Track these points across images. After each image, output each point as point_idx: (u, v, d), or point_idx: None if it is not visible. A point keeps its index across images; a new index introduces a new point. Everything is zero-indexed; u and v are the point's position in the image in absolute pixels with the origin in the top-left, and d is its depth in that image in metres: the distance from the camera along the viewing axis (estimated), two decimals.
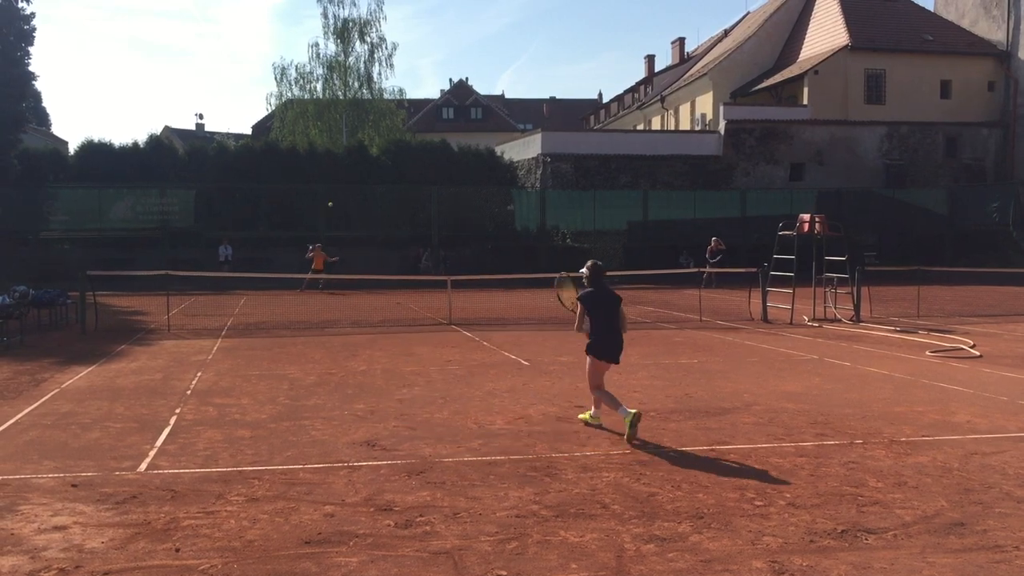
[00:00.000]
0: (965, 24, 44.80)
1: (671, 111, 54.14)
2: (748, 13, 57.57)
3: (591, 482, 6.45)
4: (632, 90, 64.07)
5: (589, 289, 8.22)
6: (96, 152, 33.85)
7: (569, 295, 8.87)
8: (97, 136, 52.47)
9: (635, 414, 7.61)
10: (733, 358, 13.17)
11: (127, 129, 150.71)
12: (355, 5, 63.77)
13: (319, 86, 49.85)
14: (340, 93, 49.48)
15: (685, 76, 55.33)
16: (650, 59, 68.05)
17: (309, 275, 26.64)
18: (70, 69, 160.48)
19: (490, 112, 73.56)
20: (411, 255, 33.22)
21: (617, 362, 8.23)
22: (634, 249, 34.78)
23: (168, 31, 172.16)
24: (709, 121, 46.73)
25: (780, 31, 48.70)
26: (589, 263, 8.30)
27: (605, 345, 8.09)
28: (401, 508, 5.83)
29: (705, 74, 49.44)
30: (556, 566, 4.81)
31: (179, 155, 35.72)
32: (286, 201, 33.02)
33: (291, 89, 49.90)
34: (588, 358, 8.19)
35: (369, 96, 49.85)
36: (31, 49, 30.17)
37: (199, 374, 11.65)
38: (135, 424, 8.51)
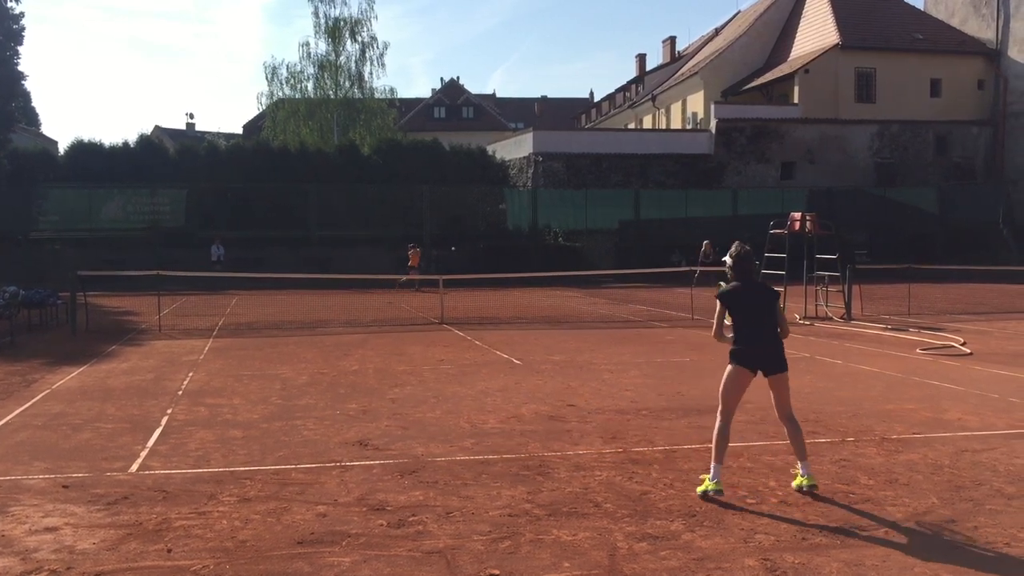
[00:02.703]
0: (955, 23, 44.98)
1: (662, 110, 54.20)
2: (739, 12, 57.73)
3: (584, 481, 6.45)
4: (623, 89, 64.07)
5: (733, 284, 6.32)
6: (86, 152, 33.77)
7: None
8: (87, 136, 52.54)
9: (811, 484, 6.07)
10: (725, 356, 13.16)
11: (117, 129, 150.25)
12: (346, 4, 63.40)
13: (310, 85, 49.79)
14: (331, 92, 49.35)
15: (676, 75, 55.40)
16: (641, 58, 68.17)
17: (408, 275, 27.53)
18: (59, 69, 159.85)
19: (482, 111, 73.55)
20: (403, 254, 33.17)
21: (767, 373, 6.23)
22: (626, 248, 34.85)
23: (160, 31, 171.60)
24: (700, 120, 46.82)
25: (771, 30, 48.82)
26: (734, 248, 6.36)
27: (750, 351, 6.20)
28: (394, 508, 5.82)
29: (696, 73, 49.53)
30: (549, 565, 4.81)
31: (170, 155, 35.67)
32: (277, 200, 32.96)
33: (282, 88, 49.81)
34: (728, 367, 6.30)
35: (360, 95, 49.74)
36: (20, 49, 30.06)
37: (190, 374, 11.61)
38: (126, 425, 8.48)
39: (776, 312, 6.30)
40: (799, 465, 6.18)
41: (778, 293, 6.37)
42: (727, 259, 6.36)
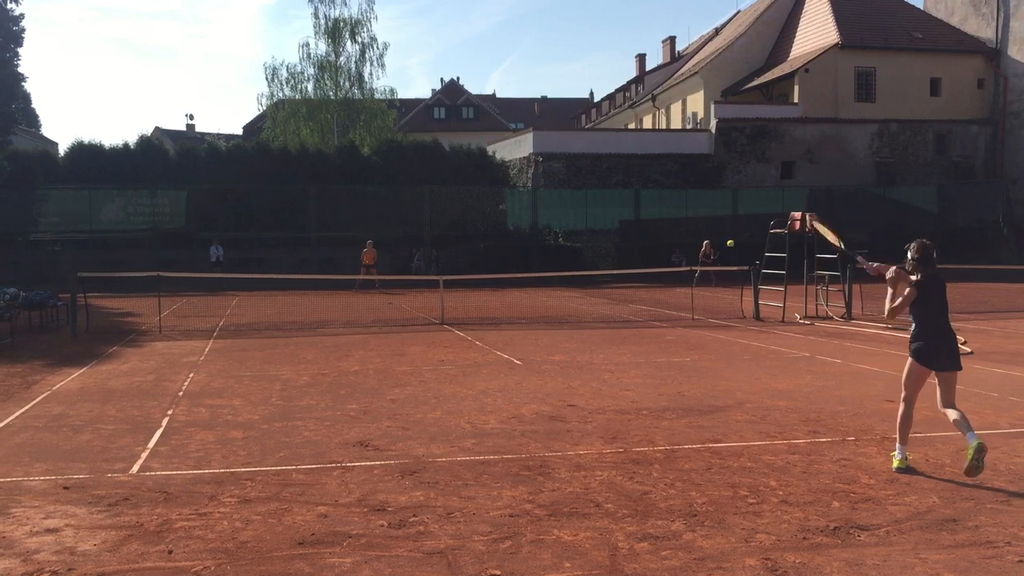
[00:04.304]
0: (954, 22, 44.97)
1: (662, 110, 54.20)
2: (739, 12, 57.72)
3: (584, 481, 6.45)
4: (623, 89, 64.06)
5: (919, 276, 6.65)
6: (86, 153, 33.73)
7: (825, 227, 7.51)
8: (87, 137, 52.46)
9: (979, 444, 6.22)
10: (725, 356, 13.20)
11: (117, 130, 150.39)
12: (346, 5, 63.68)
13: (310, 86, 49.79)
14: (331, 93, 49.36)
15: (676, 75, 55.39)
16: (641, 58, 68.15)
17: (364, 276, 27.31)
18: (59, 70, 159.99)
19: (481, 111, 73.53)
20: (403, 255, 33.22)
21: (950, 369, 6.59)
22: (626, 248, 34.85)
23: (158, 32, 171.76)
24: (700, 120, 46.82)
25: (771, 29, 48.81)
26: (917, 243, 6.74)
27: (937, 349, 6.58)
28: (394, 508, 5.83)
29: (696, 73, 49.51)
30: (550, 565, 4.81)
31: (170, 156, 35.63)
32: (278, 201, 32.96)
33: (282, 89, 49.81)
34: (909, 362, 6.74)
35: (360, 96, 49.75)
36: (20, 50, 30.02)
37: (191, 375, 11.62)
38: (127, 426, 8.48)
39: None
40: (967, 437, 6.35)
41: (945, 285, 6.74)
42: (909, 253, 6.72)
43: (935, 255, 6.75)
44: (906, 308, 6.69)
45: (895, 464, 6.71)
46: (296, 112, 48.63)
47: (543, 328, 17.51)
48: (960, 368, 6.65)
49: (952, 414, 6.50)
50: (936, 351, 6.57)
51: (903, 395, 6.81)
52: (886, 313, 6.78)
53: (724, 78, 48.02)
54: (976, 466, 6.16)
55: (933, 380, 6.66)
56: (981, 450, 6.18)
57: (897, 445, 6.78)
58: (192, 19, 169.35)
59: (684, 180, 38.58)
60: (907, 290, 6.68)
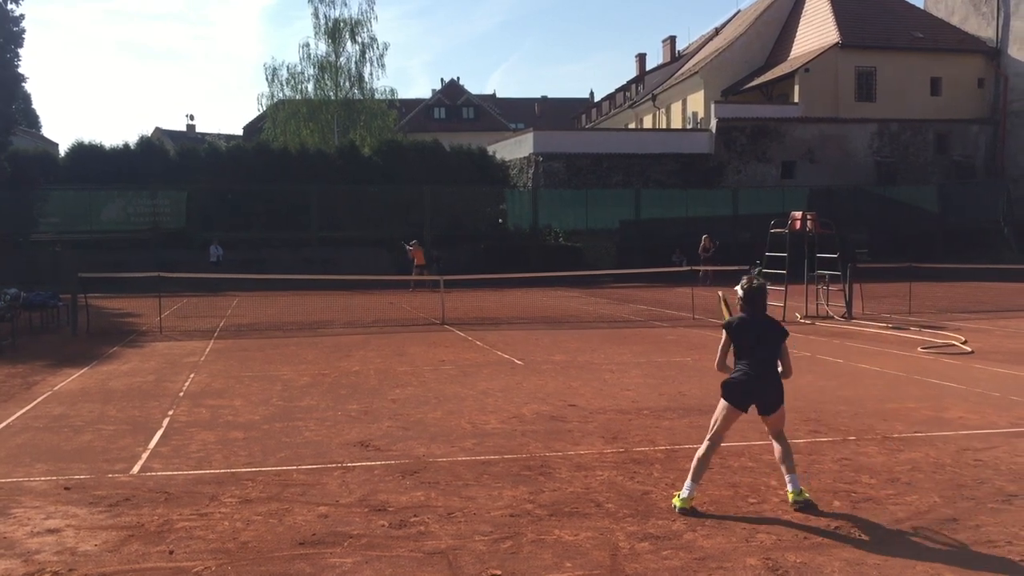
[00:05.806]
0: (955, 21, 44.97)
1: (663, 110, 54.20)
2: (739, 11, 57.72)
3: (585, 481, 6.45)
4: (623, 89, 64.05)
5: (741, 315, 6.03)
6: (87, 154, 33.74)
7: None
8: (87, 138, 52.45)
9: (679, 502, 5.77)
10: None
11: (117, 130, 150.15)
12: (346, 5, 63.84)
13: (310, 86, 49.84)
14: (331, 93, 49.40)
15: (676, 75, 55.40)
16: (641, 58, 68.15)
17: (415, 274, 27.70)
18: (60, 71, 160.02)
19: (482, 112, 73.54)
20: (405, 258, 33.19)
21: (764, 412, 5.95)
22: (627, 248, 34.86)
23: (158, 33, 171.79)
24: (700, 119, 46.82)
25: (771, 29, 48.82)
26: (746, 280, 6.07)
27: (745, 387, 5.84)
28: (395, 508, 5.83)
29: (696, 72, 49.52)
30: (551, 565, 4.81)
31: (170, 156, 35.66)
32: (278, 202, 32.95)
33: (282, 90, 49.87)
34: (721, 402, 5.94)
35: (360, 96, 49.80)
36: (20, 51, 30.01)
37: (192, 376, 11.62)
38: (128, 426, 8.48)
39: (780, 351, 5.97)
40: (787, 479, 5.88)
41: (787, 332, 6.01)
42: (738, 290, 6.06)
43: (764, 295, 6.01)
44: (728, 354, 5.97)
45: (677, 502, 5.74)
46: (296, 112, 48.67)
47: (544, 328, 17.52)
48: (774, 412, 5.92)
49: (777, 449, 5.94)
50: (748, 392, 5.85)
51: (710, 433, 5.89)
52: (716, 364, 6.08)
53: (724, 78, 48.03)
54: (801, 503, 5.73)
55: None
56: (803, 502, 5.73)
57: (687, 482, 5.79)
58: (197, 21, 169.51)
59: (684, 180, 38.61)
60: (723, 335, 5.99)
